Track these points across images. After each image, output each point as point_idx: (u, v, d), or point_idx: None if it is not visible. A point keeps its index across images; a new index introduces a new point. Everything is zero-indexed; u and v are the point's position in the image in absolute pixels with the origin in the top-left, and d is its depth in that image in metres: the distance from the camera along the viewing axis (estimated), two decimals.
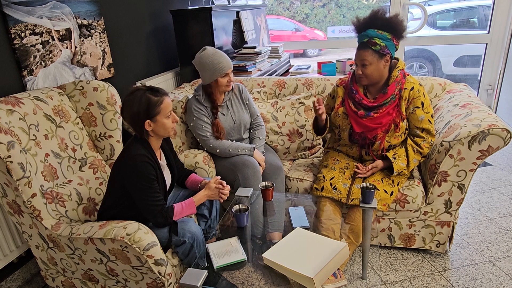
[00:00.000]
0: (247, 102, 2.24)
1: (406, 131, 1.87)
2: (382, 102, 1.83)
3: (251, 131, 2.26)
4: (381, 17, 1.76)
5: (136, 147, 1.54)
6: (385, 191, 1.82)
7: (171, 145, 1.80)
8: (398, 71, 1.83)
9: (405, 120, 1.85)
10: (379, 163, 1.89)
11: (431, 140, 1.85)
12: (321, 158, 2.28)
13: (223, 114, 2.14)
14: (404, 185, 1.91)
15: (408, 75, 1.88)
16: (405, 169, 1.85)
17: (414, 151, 1.86)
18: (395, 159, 1.84)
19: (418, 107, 1.83)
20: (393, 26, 1.75)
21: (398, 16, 1.78)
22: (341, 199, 1.85)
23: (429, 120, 1.83)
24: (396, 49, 1.81)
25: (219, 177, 1.75)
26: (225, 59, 2.03)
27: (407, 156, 1.86)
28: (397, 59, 1.88)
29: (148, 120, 1.51)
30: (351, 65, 3.42)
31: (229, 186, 1.74)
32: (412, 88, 1.83)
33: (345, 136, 1.96)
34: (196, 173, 1.88)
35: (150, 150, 1.56)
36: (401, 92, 1.83)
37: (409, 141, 1.88)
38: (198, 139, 2.13)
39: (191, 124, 2.12)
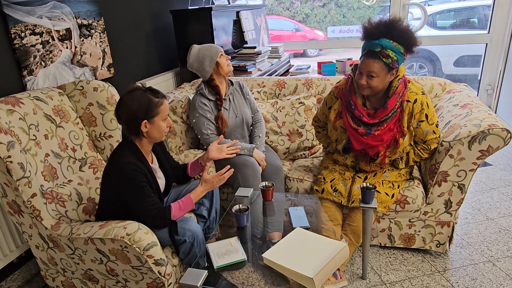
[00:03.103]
0: (248, 96, 2.26)
1: (408, 147, 1.80)
2: (383, 118, 1.71)
3: (251, 127, 2.26)
4: (398, 27, 1.62)
5: (124, 154, 1.50)
6: (386, 194, 1.81)
7: (163, 147, 1.77)
8: (398, 80, 1.69)
9: (407, 136, 1.75)
10: None
11: (433, 148, 1.81)
12: (321, 158, 2.27)
13: (226, 109, 2.15)
14: (404, 186, 1.91)
15: (409, 83, 1.75)
16: (403, 167, 1.88)
17: (414, 154, 1.84)
18: (401, 159, 1.86)
19: (422, 121, 1.73)
20: (408, 40, 1.63)
21: (413, 29, 1.66)
22: (341, 202, 1.84)
23: (434, 131, 1.76)
24: (403, 61, 1.70)
25: (208, 167, 1.70)
26: (213, 44, 2.12)
27: (407, 155, 1.85)
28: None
29: (145, 121, 1.48)
30: (351, 65, 3.42)
31: (231, 171, 1.70)
32: (415, 101, 1.70)
33: (340, 148, 1.90)
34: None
35: (139, 155, 1.53)
36: (402, 104, 1.71)
37: (414, 146, 1.84)
38: (200, 137, 2.13)
39: (194, 120, 2.12)
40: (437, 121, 1.78)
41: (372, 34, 1.65)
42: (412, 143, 1.82)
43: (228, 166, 1.71)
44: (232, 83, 2.22)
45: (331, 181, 1.90)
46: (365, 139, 1.75)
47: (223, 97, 2.15)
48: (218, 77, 2.13)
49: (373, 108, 1.77)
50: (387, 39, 1.62)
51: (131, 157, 1.49)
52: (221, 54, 2.10)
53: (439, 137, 1.80)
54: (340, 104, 1.85)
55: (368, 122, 1.74)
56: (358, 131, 1.76)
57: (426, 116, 1.73)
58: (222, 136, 1.91)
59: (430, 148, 1.81)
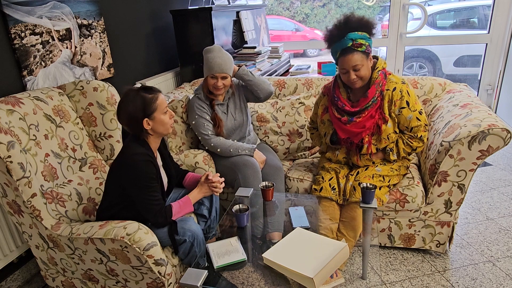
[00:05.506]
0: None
1: (393, 134, 1.84)
2: (364, 106, 1.80)
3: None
4: (353, 19, 1.76)
5: (135, 146, 1.53)
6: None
7: (166, 147, 1.80)
8: (378, 72, 1.80)
9: (390, 123, 1.81)
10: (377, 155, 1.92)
11: (421, 136, 1.84)
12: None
13: (224, 113, 2.15)
14: (403, 185, 1.91)
15: (389, 74, 1.84)
16: (395, 159, 1.89)
17: (404, 143, 1.87)
18: (392, 151, 1.88)
19: (403, 107, 1.80)
20: (367, 25, 1.76)
21: (364, 15, 1.81)
22: (338, 200, 1.86)
23: (417, 117, 1.81)
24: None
25: (210, 172, 1.74)
26: (218, 62, 2.01)
27: (397, 146, 1.88)
28: (377, 58, 1.86)
29: (146, 119, 1.51)
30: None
31: (221, 178, 1.74)
32: (395, 89, 1.79)
33: (327, 140, 1.97)
34: (193, 172, 1.88)
35: (149, 150, 1.56)
36: (382, 93, 1.80)
37: (401, 136, 1.89)
38: (200, 138, 2.13)
39: (193, 122, 2.12)
40: (421, 109, 1.84)
41: (336, 36, 1.76)
42: (397, 130, 1.86)
43: (221, 179, 1.74)
44: (232, 90, 2.20)
45: (329, 180, 1.91)
46: (348, 127, 1.84)
47: (222, 101, 2.15)
48: (206, 84, 2.11)
49: (356, 101, 1.86)
50: (351, 32, 1.73)
51: (143, 150, 1.53)
52: (213, 76, 2.04)
53: (425, 125, 1.84)
54: (326, 99, 1.98)
55: (350, 111, 1.84)
56: (341, 120, 1.86)
57: (407, 103, 1.80)
58: (210, 172, 1.80)
59: (417, 136, 1.85)
